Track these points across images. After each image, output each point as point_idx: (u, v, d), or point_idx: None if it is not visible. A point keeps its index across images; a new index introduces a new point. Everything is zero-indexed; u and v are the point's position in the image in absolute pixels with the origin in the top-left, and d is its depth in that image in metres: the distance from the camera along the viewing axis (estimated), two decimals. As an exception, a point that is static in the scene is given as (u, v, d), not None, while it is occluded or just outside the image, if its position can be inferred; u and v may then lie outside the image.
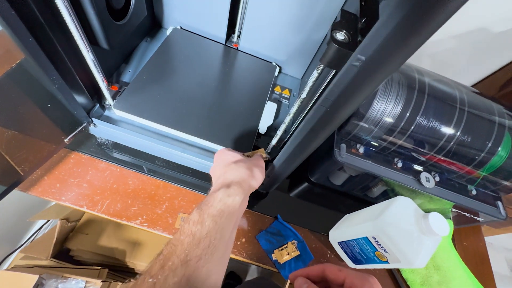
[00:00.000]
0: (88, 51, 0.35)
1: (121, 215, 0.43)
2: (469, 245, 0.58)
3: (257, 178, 0.34)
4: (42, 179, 0.43)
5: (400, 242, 0.34)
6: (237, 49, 0.60)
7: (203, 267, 0.24)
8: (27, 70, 0.50)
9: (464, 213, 0.51)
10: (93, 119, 0.43)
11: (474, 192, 0.49)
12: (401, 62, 0.18)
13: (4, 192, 0.37)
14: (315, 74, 0.27)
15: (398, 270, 0.50)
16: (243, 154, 0.39)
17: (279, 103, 0.57)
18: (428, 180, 0.46)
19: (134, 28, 0.46)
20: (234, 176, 0.32)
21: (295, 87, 0.62)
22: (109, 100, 0.44)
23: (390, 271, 0.50)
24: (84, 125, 0.43)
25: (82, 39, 0.34)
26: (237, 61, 0.58)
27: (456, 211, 0.53)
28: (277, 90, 0.60)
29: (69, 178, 0.44)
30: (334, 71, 0.28)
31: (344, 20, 0.24)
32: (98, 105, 0.44)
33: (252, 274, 1.15)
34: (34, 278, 0.52)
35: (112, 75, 0.49)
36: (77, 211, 0.94)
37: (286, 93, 0.60)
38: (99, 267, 0.76)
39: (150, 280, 0.22)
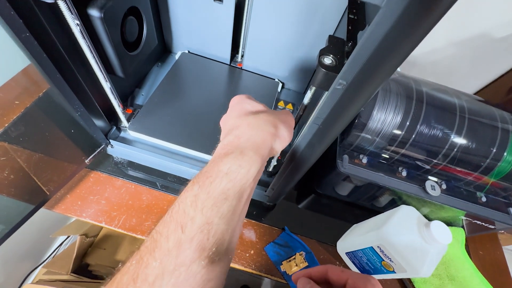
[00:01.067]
0: (106, 81, 0.39)
1: (136, 229, 0.46)
2: (485, 254, 0.56)
3: (283, 139, 0.26)
4: (65, 197, 0.47)
5: (404, 251, 0.34)
6: (241, 68, 0.64)
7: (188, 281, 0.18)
8: (52, 99, 0.56)
9: (475, 221, 0.50)
10: (110, 140, 0.47)
11: (483, 199, 0.48)
12: (380, 82, 0.20)
13: (32, 210, 0.40)
14: (309, 94, 0.29)
15: (410, 281, 0.49)
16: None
17: (282, 117, 0.59)
18: (434, 188, 0.46)
19: (146, 56, 0.51)
20: (251, 134, 0.23)
21: (298, 102, 0.64)
22: (124, 122, 0.48)
23: (401, 282, 0.49)
24: (102, 146, 0.47)
25: (101, 70, 0.38)
26: (241, 80, 0.62)
27: (467, 219, 0.52)
28: (281, 105, 0.62)
29: (89, 195, 0.48)
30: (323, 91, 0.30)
31: (331, 45, 0.26)
32: (114, 127, 0.48)
33: (265, 286, 1.14)
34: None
35: (127, 99, 0.54)
36: (95, 226, 0.98)
37: (289, 107, 0.62)
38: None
39: None
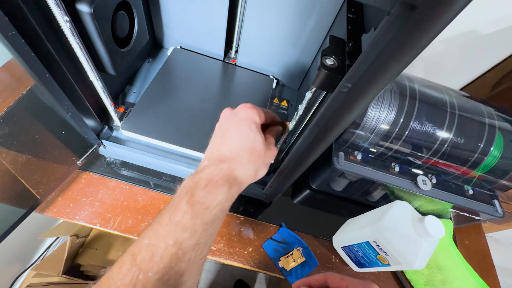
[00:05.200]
0: (97, 79, 0.38)
1: (132, 231, 0.45)
2: (470, 243, 0.59)
3: (258, 178, 0.29)
4: (57, 200, 0.45)
5: (399, 245, 0.36)
6: (235, 64, 0.63)
7: (186, 283, 0.20)
8: (38, 97, 0.53)
9: (463, 213, 0.52)
10: (102, 140, 0.46)
11: (470, 192, 0.50)
12: (384, 86, 0.21)
13: (23, 215, 0.39)
14: (309, 94, 0.29)
15: (402, 272, 0.51)
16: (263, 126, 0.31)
17: (277, 115, 0.59)
18: (425, 183, 0.48)
19: (137, 52, 0.49)
20: (243, 172, 0.26)
21: (293, 98, 0.64)
22: (116, 121, 0.47)
23: (394, 273, 0.51)
24: (94, 147, 0.45)
25: (91, 68, 0.36)
26: (235, 76, 0.61)
27: (455, 211, 0.54)
28: (276, 101, 0.62)
29: (81, 197, 0.46)
30: (325, 92, 0.30)
31: (333, 45, 0.26)
32: (106, 127, 0.47)
33: (260, 281, 1.16)
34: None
35: (118, 97, 0.52)
36: (86, 227, 0.96)
37: (284, 104, 0.62)
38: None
39: None
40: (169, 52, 0.60)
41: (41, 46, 0.30)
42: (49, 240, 0.97)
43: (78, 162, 0.44)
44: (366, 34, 0.24)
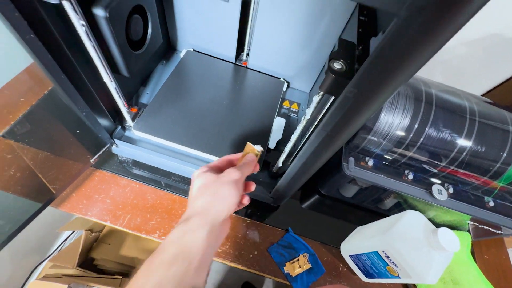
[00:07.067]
0: (111, 80, 0.39)
1: (140, 229, 0.46)
2: (490, 258, 0.55)
3: (222, 202, 0.27)
4: (71, 196, 0.47)
5: (410, 257, 0.34)
6: (246, 67, 0.63)
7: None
8: (57, 97, 0.56)
9: (482, 226, 0.49)
10: (115, 140, 0.47)
11: (491, 204, 0.47)
12: (393, 91, 0.20)
13: (39, 209, 0.41)
14: (316, 99, 0.29)
15: (414, 285, 0.49)
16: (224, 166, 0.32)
17: (287, 117, 0.59)
18: (441, 192, 0.45)
19: (151, 55, 0.50)
20: (197, 205, 0.26)
21: (303, 101, 0.64)
22: (129, 121, 0.48)
23: (405, 286, 0.49)
24: (107, 146, 0.47)
25: (106, 70, 0.38)
26: (246, 79, 0.61)
27: (474, 224, 0.51)
28: (286, 104, 0.62)
29: (94, 194, 0.48)
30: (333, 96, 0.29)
31: (341, 49, 0.26)
32: (119, 127, 0.48)
33: (267, 285, 1.15)
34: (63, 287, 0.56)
35: (131, 98, 0.53)
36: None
37: (294, 107, 0.62)
38: (121, 277, 0.80)
39: None
40: (182, 55, 0.61)
41: (58, 49, 0.31)
42: (66, 233, 1.01)
43: (91, 160, 0.45)
44: (375, 38, 0.24)
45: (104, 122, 0.44)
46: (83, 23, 0.30)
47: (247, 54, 0.63)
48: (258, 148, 0.34)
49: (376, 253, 0.39)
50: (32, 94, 0.56)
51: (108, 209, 0.47)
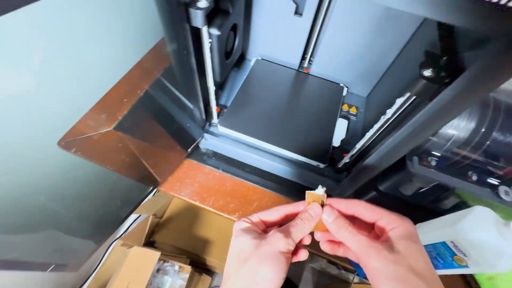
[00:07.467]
0: (213, 85, 0.48)
1: (223, 209, 0.55)
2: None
3: (261, 283, 0.22)
4: (167, 179, 0.57)
5: (480, 246, 0.37)
6: (308, 73, 0.70)
7: None
8: (153, 97, 0.67)
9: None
10: (205, 134, 0.56)
11: (561, 208, 0.48)
12: (478, 98, 0.25)
13: (149, 192, 0.51)
14: (401, 100, 0.34)
15: (472, 277, 0.50)
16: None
17: (348, 119, 0.64)
18: (508, 194, 0.47)
19: (234, 63, 0.59)
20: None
21: (361, 105, 0.68)
22: (215, 119, 0.57)
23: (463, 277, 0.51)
24: (199, 139, 0.56)
25: (211, 76, 0.47)
26: (310, 84, 0.68)
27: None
28: (345, 107, 0.67)
29: (185, 179, 0.57)
30: (413, 98, 0.35)
31: (429, 59, 0.31)
32: (208, 123, 0.58)
33: (306, 277, 1.19)
34: (157, 254, 0.67)
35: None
36: (161, 208, 1.12)
37: (353, 110, 0.67)
38: (185, 256, 0.90)
39: None
40: (252, 63, 0.70)
41: (188, 60, 0.40)
42: (133, 217, 1.15)
43: (188, 150, 0.55)
44: (468, 53, 0.29)
45: (200, 118, 0.54)
46: (210, 40, 0.39)
47: (309, 62, 0.70)
48: (321, 191, 0.27)
49: (444, 243, 0.42)
50: (131, 96, 0.69)
51: (196, 191, 0.56)
